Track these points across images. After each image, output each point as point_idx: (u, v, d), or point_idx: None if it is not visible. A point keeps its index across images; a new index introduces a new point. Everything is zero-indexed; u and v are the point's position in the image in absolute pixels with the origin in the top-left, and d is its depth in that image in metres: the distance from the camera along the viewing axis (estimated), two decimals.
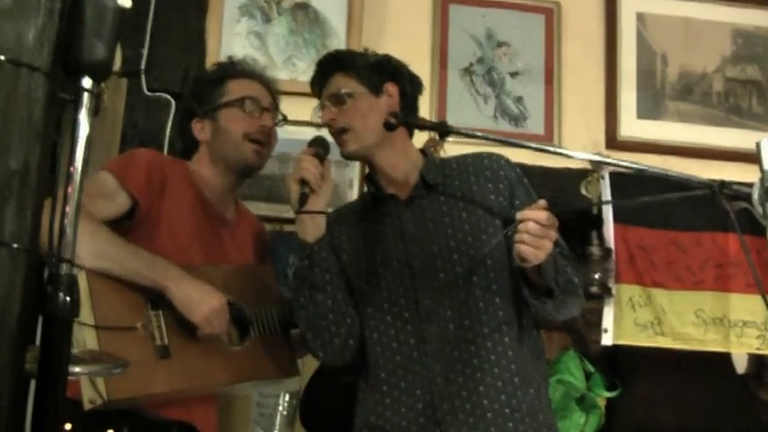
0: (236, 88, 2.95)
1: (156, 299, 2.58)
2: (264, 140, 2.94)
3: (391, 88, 2.68)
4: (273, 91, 3.06)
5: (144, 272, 2.54)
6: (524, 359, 2.52)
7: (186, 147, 3.02)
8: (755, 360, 3.81)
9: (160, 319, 2.58)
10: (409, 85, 2.74)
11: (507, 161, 2.67)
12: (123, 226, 2.66)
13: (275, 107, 3.03)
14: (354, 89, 2.65)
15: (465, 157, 2.72)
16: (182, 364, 2.58)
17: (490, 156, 2.68)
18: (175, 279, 2.58)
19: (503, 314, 2.51)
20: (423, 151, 2.78)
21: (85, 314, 2.36)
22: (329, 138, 2.70)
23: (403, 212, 2.64)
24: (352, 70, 2.68)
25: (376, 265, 2.63)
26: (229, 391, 2.84)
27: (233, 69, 3.04)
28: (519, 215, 2.29)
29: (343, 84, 2.66)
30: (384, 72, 2.70)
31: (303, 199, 2.54)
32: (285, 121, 3.06)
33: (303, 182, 2.55)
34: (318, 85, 2.76)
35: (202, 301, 2.58)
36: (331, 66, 2.73)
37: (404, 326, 2.56)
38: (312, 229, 2.63)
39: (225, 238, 2.92)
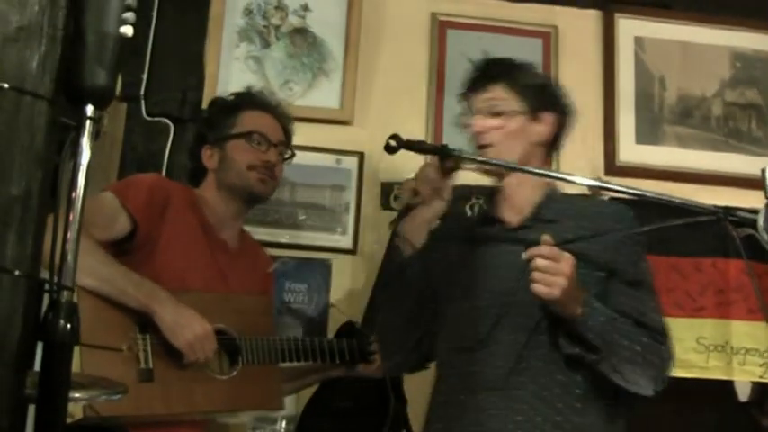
0: (248, 120, 2.98)
1: (145, 323, 2.59)
2: (268, 175, 2.95)
3: (549, 117, 2.57)
4: (286, 126, 3.08)
5: (131, 291, 2.56)
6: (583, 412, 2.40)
7: (193, 172, 3.04)
8: (758, 387, 3.79)
9: (147, 343, 2.60)
10: (566, 116, 2.63)
11: (627, 214, 2.55)
12: (123, 248, 2.68)
13: (285, 143, 3.05)
14: (513, 108, 2.55)
15: (589, 199, 2.68)
16: (163, 389, 2.60)
17: (611, 205, 2.62)
18: (162, 302, 2.59)
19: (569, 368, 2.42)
20: (550, 184, 2.64)
21: None
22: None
23: (504, 238, 2.56)
24: (518, 86, 2.57)
25: (462, 285, 2.57)
26: (213, 418, 2.83)
27: (249, 100, 3.07)
28: (525, 255, 2.27)
29: (504, 98, 2.56)
30: (547, 98, 2.60)
31: (408, 209, 2.57)
32: (292, 157, 3.08)
33: (415, 192, 2.55)
34: (474, 88, 2.65)
35: (187, 327, 2.59)
36: (498, 73, 2.63)
37: (471, 351, 2.48)
38: (410, 239, 2.63)
39: (225, 266, 2.92)
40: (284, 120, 3.09)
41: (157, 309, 2.57)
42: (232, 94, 3.23)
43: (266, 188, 2.98)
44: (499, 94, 2.58)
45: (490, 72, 2.65)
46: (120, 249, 2.67)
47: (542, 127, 2.57)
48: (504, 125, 2.54)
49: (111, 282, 2.53)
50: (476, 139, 2.58)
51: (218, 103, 3.17)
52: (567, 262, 2.24)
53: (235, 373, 2.76)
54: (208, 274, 2.84)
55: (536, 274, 2.23)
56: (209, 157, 2.98)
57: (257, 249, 3.20)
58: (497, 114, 2.55)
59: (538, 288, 2.23)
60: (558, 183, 2.63)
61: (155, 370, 2.59)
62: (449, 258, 2.66)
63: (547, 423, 2.35)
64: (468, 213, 2.73)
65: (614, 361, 2.32)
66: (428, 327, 2.65)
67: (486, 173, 2.62)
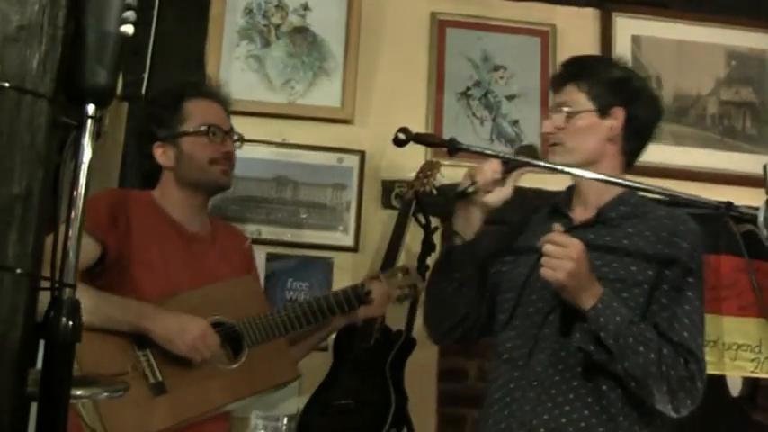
0: (195, 112, 2.94)
1: (142, 338, 2.60)
2: (229, 166, 2.95)
3: (619, 112, 2.56)
4: (228, 111, 3.05)
5: (118, 317, 2.57)
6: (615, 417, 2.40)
7: (148, 172, 3.01)
8: (749, 382, 3.80)
9: (149, 358, 2.61)
10: (643, 111, 2.61)
11: (691, 229, 2.52)
12: (94, 272, 2.67)
13: (232, 129, 3.03)
14: (581, 106, 2.56)
15: (659, 207, 2.59)
16: (180, 396, 2.61)
17: (675, 217, 2.55)
18: (150, 317, 2.59)
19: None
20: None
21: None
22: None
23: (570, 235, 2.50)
24: (587, 84, 2.58)
25: (522, 279, 2.58)
26: (236, 408, 2.84)
27: (189, 90, 3.03)
28: (540, 242, 2.33)
29: (572, 98, 2.59)
30: (619, 93, 2.58)
31: (460, 195, 2.56)
32: (242, 141, 3.05)
33: (473, 179, 2.53)
34: (553, 87, 2.70)
35: (183, 332, 2.60)
36: (569, 73, 2.65)
37: (522, 344, 2.51)
38: (462, 226, 2.63)
39: (204, 255, 2.92)
40: (226, 105, 3.06)
41: (148, 325, 2.58)
42: (171, 87, 3.21)
43: (228, 179, 2.97)
44: (570, 94, 2.60)
45: (564, 72, 2.68)
46: (92, 274, 2.66)
47: (612, 121, 2.56)
48: (569, 124, 2.56)
49: (94, 313, 2.48)
50: (544, 140, 2.63)
51: (158, 98, 3.16)
52: (574, 248, 2.27)
53: (243, 358, 2.77)
54: (189, 269, 2.85)
55: (543, 258, 2.28)
56: (162, 154, 2.93)
57: (229, 230, 3.19)
58: (567, 114, 2.57)
59: (543, 271, 2.29)
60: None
61: (165, 381, 2.61)
62: (512, 248, 2.70)
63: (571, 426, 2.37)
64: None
65: (626, 365, 2.30)
66: (474, 308, 2.67)
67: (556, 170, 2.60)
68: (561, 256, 2.27)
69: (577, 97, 2.58)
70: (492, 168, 2.52)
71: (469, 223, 2.62)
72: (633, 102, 2.59)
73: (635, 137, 2.62)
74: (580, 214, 2.60)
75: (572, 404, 2.38)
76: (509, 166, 2.53)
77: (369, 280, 3.14)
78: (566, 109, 2.57)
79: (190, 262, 2.87)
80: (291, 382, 3.03)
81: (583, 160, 2.53)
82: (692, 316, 2.43)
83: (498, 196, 2.56)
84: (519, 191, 2.62)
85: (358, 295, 3.06)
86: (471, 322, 2.68)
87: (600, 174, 2.47)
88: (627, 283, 2.41)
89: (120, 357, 2.56)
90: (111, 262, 2.69)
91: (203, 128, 2.91)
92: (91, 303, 2.49)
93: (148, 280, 2.71)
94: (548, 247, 2.29)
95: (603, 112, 2.56)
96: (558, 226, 2.35)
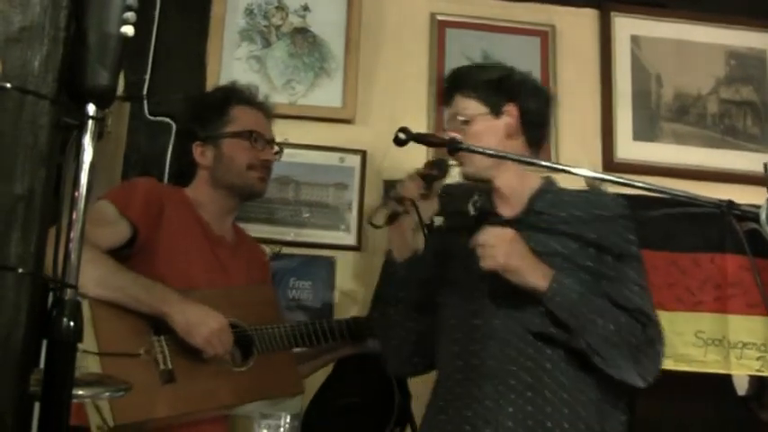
0: (240, 117, 2.97)
1: (160, 324, 2.60)
2: (266, 174, 2.98)
3: (511, 108, 2.63)
4: (271, 121, 3.10)
5: (142, 298, 2.57)
6: (583, 407, 2.42)
7: (184, 170, 3.04)
8: (756, 381, 3.80)
9: (163, 345, 2.61)
10: (533, 101, 2.68)
11: (617, 202, 2.60)
12: (122, 254, 2.68)
13: (274, 139, 3.06)
14: (473, 111, 2.62)
15: (582, 192, 2.69)
16: (187, 388, 2.61)
17: (600, 194, 2.68)
18: (173, 304, 2.60)
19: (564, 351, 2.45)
20: (547, 178, 2.72)
21: (89, 342, 2.39)
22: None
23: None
24: (472, 90, 2.64)
25: (460, 279, 2.62)
26: (237, 411, 2.86)
27: (237, 95, 3.05)
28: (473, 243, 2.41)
29: (463, 106, 2.65)
30: (504, 90, 2.65)
31: (393, 216, 2.62)
32: (281, 153, 3.09)
33: (400, 200, 2.60)
34: (446, 103, 2.76)
35: (202, 324, 2.60)
36: (453, 85, 2.72)
37: (469, 344, 2.53)
38: (398, 246, 2.69)
39: (226, 260, 2.94)
40: (271, 116, 3.10)
41: (169, 311, 2.58)
42: (217, 88, 3.24)
43: (264, 186, 3.01)
44: (460, 104, 2.67)
45: (449, 85, 2.74)
46: (120, 255, 2.67)
47: (507, 119, 2.63)
48: (467, 131, 2.60)
49: (122, 290, 2.55)
50: (449, 152, 2.61)
51: (204, 98, 3.17)
52: (503, 232, 2.37)
53: (251, 363, 2.78)
54: (210, 271, 2.86)
55: (478, 251, 2.36)
56: (200, 153, 2.96)
57: (251, 241, 3.22)
58: (462, 122, 2.63)
59: (482, 263, 2.36)
60: (557, 176, 2.67)
61: (175, 370, 2.61)
62: (452, 258, 2.69)
63: (539, 414, 2.39)
64: (471, 211, 2.74)
65: (588, 339, 2.35)
66: (425, 329, 2.69)
67: (472, 179, 2.68)
68: (493, 242, 2.34)
69: (467, 104, 2.64)
70: (417, 184, 2.61)
71: (406, 244, 2.68)
72: (520, 95, 2.66)
73: (533, 127, 2.68)
74: (507, 211, 2.63)
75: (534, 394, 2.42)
76: (428, 180, 2.62)
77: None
78: (460, 117, 2.63)
79: (211, 263, 2.89)
80: (294, 396, 3.04)
81: (492, 163, 2.59)
82: (639, 282, 2.49)
83: (428, 211, 2.65)
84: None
85: (369, 326, 3.06)
86: (430, 346, 2.69)
87: (520, 171, 2.63)
88: (570, 261, 2.46)
89: (136, 338, 2.56)
90: (139, 247, 2.71)
91: (247, 132, 2.94)
92: (120, 280, 2.56)
93: (169, 273, 2.72)
94: (479, 239, 2.36)
95: (496, 111, 2.63)
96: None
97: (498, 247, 2.33)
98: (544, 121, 2.74)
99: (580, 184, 2.83)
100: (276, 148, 3.05)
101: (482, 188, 2.69)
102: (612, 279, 2.46)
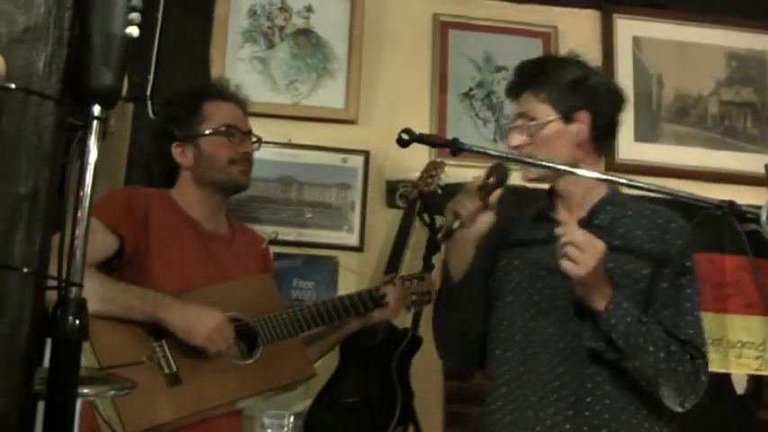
0: (214, 113, 2.96)
1: (158, 329, 2.61)
2: (248, 166, 2.98)
3: (583, 115, 2.52)
4: (246, 112, 3.07)
5: (136, 306, 2.57)
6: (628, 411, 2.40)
7: (166, 171, 3.02)
8: (754, 380, 3.81)
9: (165, 349, 2.61)
10: (606, 107, 2.57)
11: (681, 227, 2.50)
12: (112, 265, 2.69)
13: (251, 130, 3.05)
14: (544, 115, 2.52)
15: (645, 206, 2.59)
16: (195, 388, 2.61)
17: (668, 215, 2.54)
18: (168, 308, 2.60)
19: (611, 372, 2.41)
20: (612, 188, 2.61)
21: (89, 358, 2.39)
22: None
23: (554, 240, 2.47)
24: (545, 91, 2.53)
25: (514, 285, 2.58)
26: (247, 404, 2.86)
27: (208, 91, 3.05)
28: (557, 230, 2.30)
29: (533, 108, 2.54)
30: (579, 94, 2.53)
31: (449, 233, 2.49)
32: (260, 142, 3.08)
33: (457, 215, 2.47)
34: (510, 95, 2.66)
35: (201, 323, 2.60)
36: (524, 80, 2.60)
37: (521, 350, 2.50)
38: (456, 264, 2.60)
39: (221, 254, 2.94)
40: (245, 106, 3.08)
41: (165, 316, 2.59)
42: (189, 86, 3.22)
43: (248, 179, 3.00)
44: (530, 104, 2.56)
45: (519, 79, 2.63)
46: (110, 266, 2.68)
47: (578, 126, 2.53)
48: (536, 136, 2.52)
49: (114, 301, 2.54)
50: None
51: (176, 98, 3.13)
52: (599, 245, 2.25)
53: (258, 355, 2.78)
54: (206, 268, 2.86)
55: (567, 249, 2.24)
56: (180, 153, 2.95)
57: (247, 230, 3.20)
58: (533, 125, 2.52)
59: (565, 264, 2.25)
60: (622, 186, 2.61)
61: (180, 372, 2.61)
62: (501, 264, 2.66)
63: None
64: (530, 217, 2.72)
65: (637, 364, 2.31)
66: (482, 328, 2.65)
67: (535, 181, 2.61)
68: (587, 250, 2.23)
69: (537, 107, 2.54)
70: (472, 201, 2.48)
71: (463, 259, 2.59)
72: (594, 101, 2.55)
73: (603, 134, 2.59)
74: (567, 218, 2.52)
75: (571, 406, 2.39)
76: (486, 191, 2.49)
77: (384, 284, 3.13)
78: (531, 123, 2.52)
79: (207, 260, 2.88)
80: (306, 380, 3.05)
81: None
82: (693, 312, 2.44)
83: (484, 224, 2.53)
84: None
85: (373, 298, 3.05)
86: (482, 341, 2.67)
87: (585, 179, 2.50)
88: (627, 279, 2.41)
89: (136, 347, 2.57)
90: (129, 257, 2.71)
91: (223, 128, 2.94)
92: (110, 292, 2.55)
93: (165, 276, 2.72)
94: (577, 238, 2.25)
95: (568, 117, 2.52)
96: (564, 216, 2.39)
97: (588, 259, 2.23)
98: (615, 127, 2.65)
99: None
100: (254, 138, 3.05)
101: (544, 192, 2.66)
102: (666, 305, 2.41)
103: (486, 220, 2.52)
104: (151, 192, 2.96)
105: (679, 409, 2.40)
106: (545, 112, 2.53)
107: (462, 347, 2.71)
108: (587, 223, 2.48)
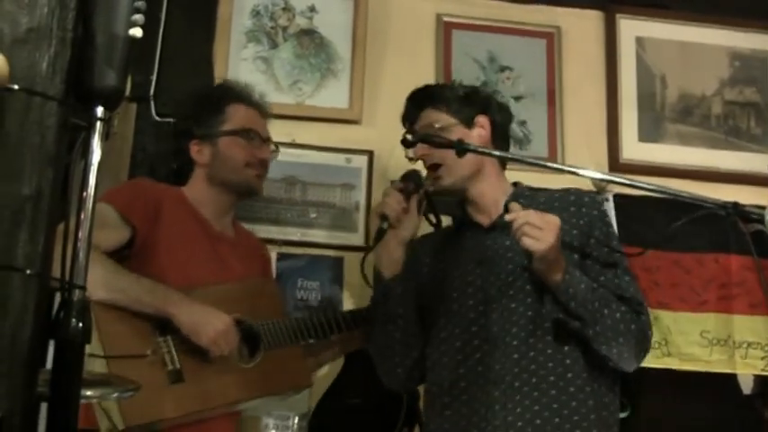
0: (237, 115, 2.98)
1: (165, 325, 2.60)
2: (263, 172, 2.99)
3: (482, 120, 2.69)
4: (267, 120, 3.10)
5: (145, 299, 2.58)
6: (588, 399, 2.48)
7: (181, 168, 3.04)
8: (761, 380, 3.80)
9: (170, 345, 2.61)
10: (499, 115, 2.75)
11: (593, 198, 2.69)
12: (122, 255, 2.69)
13: (270, 138, 3.07)
14: (446, 122, 2.67)
15: (554, 191, 2.73)
16: (196, 387, 2.61)
17: (577, 192, 2.70)
18: (177, 304, 2.60)
19: (568, 349, 2.51)
20: (515, 183, 2.78)
21: (94, 345, 2.38)
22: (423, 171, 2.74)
23: (483, 239, 2.65)
24: (443, 104, 2.70)
25: (453, 289, 2.64)
26: (246, 408, 2.86)
27: (233, 93, 3.06)
28: (507, 216, 2.39)
29: (434, 118, 2.68)
30: (474, 104, 2.72)
31: (380, 234, 2.60)
32: (277, 150, 3.10)
33: (383, 216, 2.59)
34: (409, 120, 2.78)
35: (208, 324, 2.60)
36: (421, 100, 2.76)
37: (472, 352, 2.56)
38: (387, 263, 2.69)
39: (226, 256, 2.94)
40: (267, 114, 3.11)
41: (174, 312, 2.59)
42: (214, 87, 3.24)
43: (261, 184, 3.02)
44: (431, 116, 2.71)
45: (417, 100, 2.79)
46: (120, 256, 2.68)
47: (480, 130, 2.69)
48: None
49: (124, 292, 2.55)
50: (424, 164, 2.69)
51: (200, 97, 3.16)
52: (555, 220, 2.35)
53: (259, 359, 2.78)
54: (211, 267, 2.87)
55: (525, 228, 2.32)
56: (197, 152, 2.97)
57: (251, 236, 3.23)
58: (437, 130, 2.65)
59: (525, 241, 2.33)
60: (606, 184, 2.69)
61: (183, 369, 2.62)
62: (434, 272, 2.74)
63: (546, 410, 2.44)
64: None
65: (598, 329, 2.40)
66: (423, 345, 2.72)
67: (444, 194, 2.73)
68: (544, 226, 2.32)
69: (439, 116, 2.69)
70: (396, 199, 2.61)
71: (394, 260, 2.68)
72: (489, 108, 2.74)
73: (500, 140, 2.75)
74: (483, 219, 2.69)
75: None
76: (405, 194, 2.63)
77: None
78: (436, 125, 2.66)
79: (213, 260, 2.89)
80: (303, 389, 3.06)
81: (468, 173, 2.65)
82: (628, 272, 2.58)
83: (411, 226, 2.68)
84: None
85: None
86: (424, 357, 2.72)
87: (493, 179, 2.70)
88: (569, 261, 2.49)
89: (141, 339, 2.56)
90: (138, 248, 2.71)
91: (243, 130, 2.95)
92: (121, 282, 2.56)
93: (171, 271, 2.72)
94: (532, 218, 2.33)
95: (468, 123, 2.69)
96: (514, 204, 2.44)
97: (547, 234, 2.31)
98: (508, 136, 2.82)
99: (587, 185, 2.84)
100: (272, 147, 3.06)
101: (457, 200, 2.73)
102: (604, 269, 2.53)
103: (412, 223, 2.67)
104: (164, 187, 2.98)
105: (631, 368, 2.53)
106: (447, 119, 2.69)
107: (406, 362, 2.75)
108: (502, 217, 2.57)
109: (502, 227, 2.56)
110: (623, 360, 2.47)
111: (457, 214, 2.79)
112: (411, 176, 2.69)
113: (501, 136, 2.75)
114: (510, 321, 2.51)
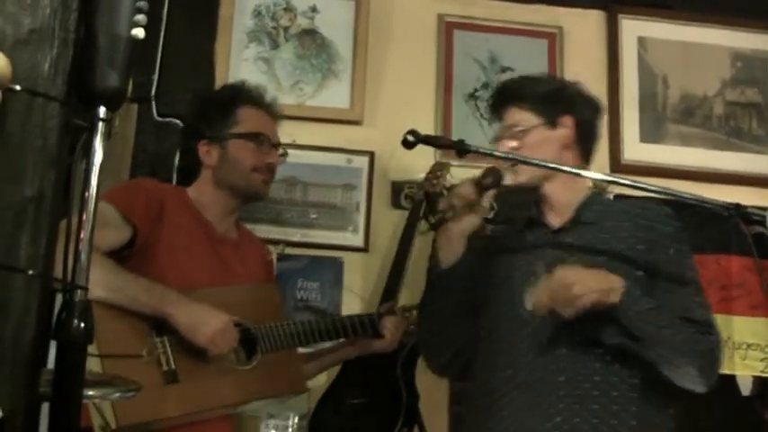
0: (247, 118, 2.97)
1: (161, 325, 2.60)
2: (270, 177, 2.98)
3: (567, 120, 2.64)
4: (278, 124, 3.10)
5: (143, 299, 2.57)
6: (631, 420, 2.43)
7: (188, 168, 3.03)
8: (760, 382, 3.80)
9: (166, 345, 2.60)
10: (587, 112, 2.71)
11: (666, 214, 2.60)
12: (122, 254, 2.68)
13: (279, 142, 3.06)
14: (529, 123, 2.62)
15: (630, 201, 2.72)
16: (190, 388, 2.60)
17: (653, 207, 2.63)
18: (175, 304, 2.60)
19: (618, 367, 2.45)
20: (595, 189, 2.73)
21: None
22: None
23: (548, 241, 2.61)
24: (527, 102, 2.65)
25: (511, 291, 2.59)
26: (241, 410, 2.86)
27: (245, 96, 3.05)
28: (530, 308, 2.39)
29: (518, 118, 2.65)
30: (559, 102, 2.66)
31: (440, 222, 2.59)
32: (286, 155, 3.09)
33: (451, 206, 2.57)
34: (494, 114, 2.77)
35: (205, 324, 2.60)
36: (506, 97, 2.72)
37: (518, 355, 2.52)
38: (446, 253, 2.65)
39: (228, 258, 2.94)
40: (277, 118, 3.10)
41: (171, 312, 2.58)
42: (224, 87, 3.24)
43: (267, 189, 3.01)
44: (515, 115, 2.66)
45: (501, 96, 2.75)
46: (121, 256, 2.67)
47: (563, 130, 2.63)
48: (524, 141, 2.61)
49: (122, 290, 2.54)
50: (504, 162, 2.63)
51: (211, 98, 3.16)
52: (558, 278, 2.32)
53: (255, 362, 2.78)
54: (212, 269, 2.86)
55: (554, 305, 2.31)
56: (206, 153, 2.96)
57: (254, 238, 3.21)
58: (520, 132, 2.62)
59: (567, 310, 2.31)
60: (607, 185, 2.68)
61: (178, 370, 2.61)
62: (495, 267, 2.69)
63: (585, 424, 2.39)
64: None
65: (660, 350, 2.36)
66: (468, 335, 2.69)
67: (524, 184, 2.66)
68: (575, 281, 2.29)
69: (522, 116, 2.65)
70: (467, 191, 2.57)
71: (453, 249, 2.64)
72: (575, 106, 2.68)
73: (587, 138, 2.70)
74: (555, 220, 2.65)
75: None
76: (481, 188, 2.58)
77: (385, 313, 3.15)
78: (517, 128, 2.63)
79: (214, 262, 2.88)
80: (298, 395, 3.05)
81: (543, 173, 2.59)
82: (700, 292, 2.53)
83: (471, 223, 2.61)
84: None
85: (373, 324, 3.08)
86: (470, 352, 2.70)
87: (570, 181, 2.60)
88: (623, 273, 2.43)
89: (137, 339, 2.56)
90: (139, 248, 2.71)
91: (253, 134, 2.95)
92: (118, 281, 2.54)
93: (171, 272, 2.72)
94: (554, 283, 2.31)
95: (552, 123, 2.63)
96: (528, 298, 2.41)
97: (581, 282, 2.30)
98: (597, 132, 2.76)
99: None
100: (281, 151, 3.05)
101: (531, 196, 2.71)
102: (670, 290, 2.46)
103: (473, 219, 2.60)
104: (168, 187, 2.99)
105: (701, 389, 2.45)
106: (530, 119, 2.63)
107: (451, 349, 2.74)
108: (575, 222, 2.58)
109: (567, 231, 2.57)
110: (689, 380, 2.42)
111: (532, 211, 2.75)
112: (492, 171, 2.61)
113: (587, 135, 2.70)
114: (560, 330, 2.45)
